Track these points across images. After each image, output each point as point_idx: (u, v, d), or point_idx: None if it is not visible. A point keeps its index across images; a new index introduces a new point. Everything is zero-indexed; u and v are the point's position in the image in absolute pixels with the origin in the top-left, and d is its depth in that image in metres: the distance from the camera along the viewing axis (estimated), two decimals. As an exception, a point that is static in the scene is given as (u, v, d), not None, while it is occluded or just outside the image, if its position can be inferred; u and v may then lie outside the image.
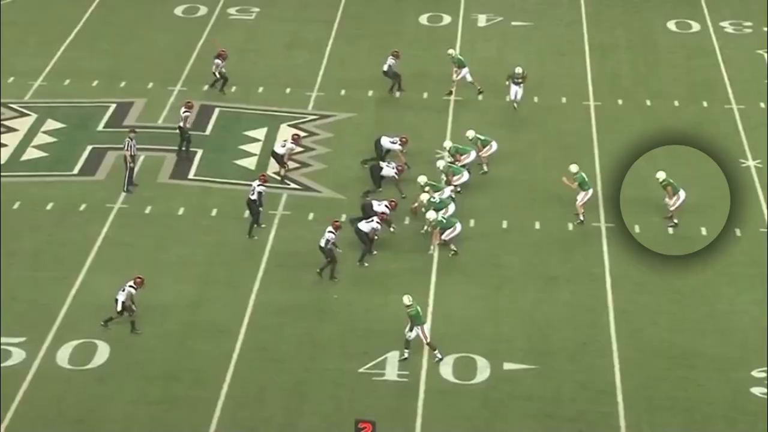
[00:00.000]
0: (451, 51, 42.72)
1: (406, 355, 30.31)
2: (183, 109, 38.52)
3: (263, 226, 35.15)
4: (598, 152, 39.20)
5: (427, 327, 30.54)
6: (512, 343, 31.12)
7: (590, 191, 35.68)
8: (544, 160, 38.79)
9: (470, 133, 37.98)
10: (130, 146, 37.02)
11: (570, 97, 42.59)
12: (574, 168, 35.85)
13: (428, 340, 30.34)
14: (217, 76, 42.02)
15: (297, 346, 31.03)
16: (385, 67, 42.08)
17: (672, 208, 35.59)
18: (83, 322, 31.68)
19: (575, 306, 32.51)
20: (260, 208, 35.07)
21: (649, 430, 28.47)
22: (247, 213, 35.33)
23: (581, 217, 35.58)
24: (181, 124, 38.29)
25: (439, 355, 30.27)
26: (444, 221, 34.18)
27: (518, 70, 40.91)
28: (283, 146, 37.68)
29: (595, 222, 35.80)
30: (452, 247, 34.19)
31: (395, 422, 28.44)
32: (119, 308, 31.03)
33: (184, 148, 38.57)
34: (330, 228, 33.20)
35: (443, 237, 34.21)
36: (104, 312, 31.70)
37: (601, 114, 41.54)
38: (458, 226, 34.22)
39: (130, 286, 31.15)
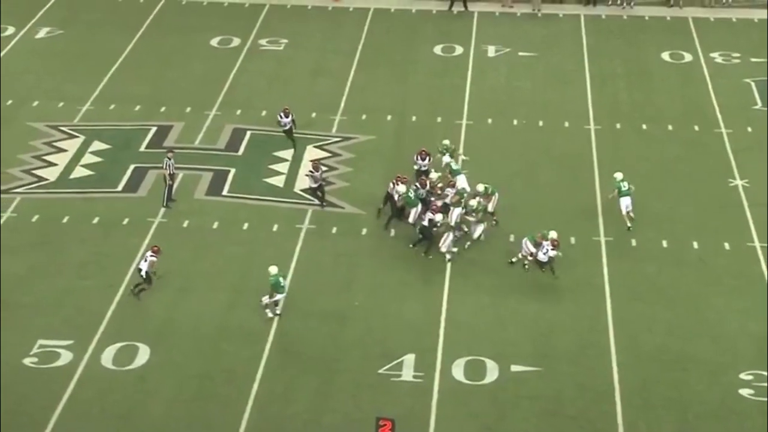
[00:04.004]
0: (446, 141, 38.79)
1: (272, 313, 31.57)
2: (281, 114, 39.60)
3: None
4: (597, 172, 39.06)
5: (281, 297, 31.59)
6: (518, 346, 31.03)
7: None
8: (548, 180, 38.69)
9: (446, 142, 37.75)
10: (169, 165, 37.07)
11: (572, 121, 42.48)
12: (619, 176, 36.08)
13: (266, 302, 31.43)
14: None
15: (321, 348, 30.98)
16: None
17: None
18: (126, 326, 31.70)
19: (576, 313, 32.39)
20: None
21: (646, 428, 28.35)
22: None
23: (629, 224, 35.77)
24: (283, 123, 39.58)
25: (270, 315, 31.47)
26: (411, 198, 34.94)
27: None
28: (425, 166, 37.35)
29: (595, 236, 35.68)
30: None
31: (411, 419, 28.37)
32: (143, 276, 31.95)
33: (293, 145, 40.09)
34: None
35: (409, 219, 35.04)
36: (146, 317, 31.80)
37: (600, 137, 41.42)
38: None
39: (151, 256, 32.05)
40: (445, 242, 34.14)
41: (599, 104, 43.84)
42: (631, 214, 35.79)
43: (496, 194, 35.70)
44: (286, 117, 39.94)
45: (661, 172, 39.30)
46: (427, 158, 37.19)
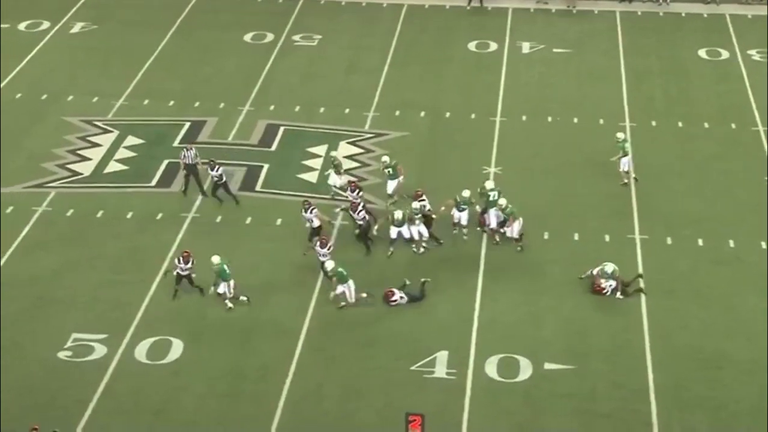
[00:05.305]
0: (385, 158, 37.42)
1: (230, 305, 32.14)
2: (208, 166, 36.68)
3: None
4: (633, 170, 38.92)
5: (231, 284, 32.07)
6: (552, 345, 31.04)
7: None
8: (583, 177, 38.66)
9: (386, 159, 37.24)
10: (187, 156, 37.27)
11: (607, 118, 42.39)
12: (621, 135, 38.02)
13: (232, 295, 32.02)
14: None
15: (353, 346, 31.07)
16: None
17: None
18: (159, 320, 31.94)
19: (611, 311, 32.36)
20: None
21: (679, 427, 28.31)
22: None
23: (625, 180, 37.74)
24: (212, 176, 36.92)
25: (230, 305, 31.98)
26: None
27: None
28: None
29: (629, 234, 35.65)
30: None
31: (444, 416, 28.44)
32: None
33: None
34: None
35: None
36: (179, 312, 32.02)
37: (636, 134, 41.33)
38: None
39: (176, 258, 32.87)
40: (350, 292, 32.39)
41: (635, 102, 43.75)
42: (628, 173, 37.53)
43: (520, 219, 34.70)
44: (213, 170, 36.78)
45: (697, 170, 39.20)
46: (357, 191, 35.61)
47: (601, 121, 42.28)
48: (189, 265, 32.52)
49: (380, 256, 34.66)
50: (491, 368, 30.13)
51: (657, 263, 34.30)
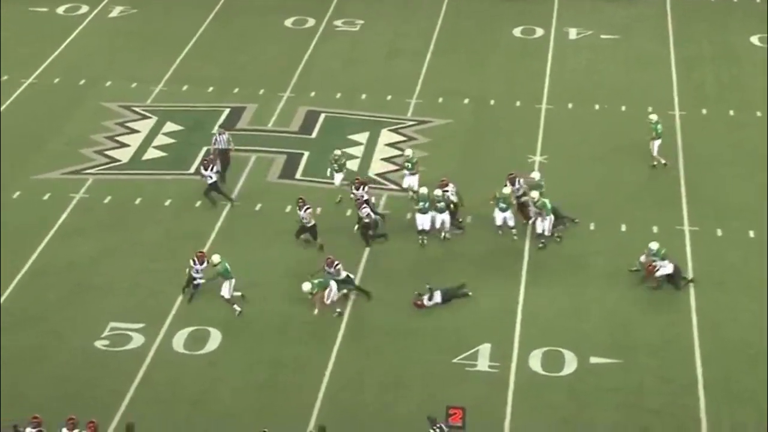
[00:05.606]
0: (408, 152, 37.06)
1: (238, 309, 31.50)
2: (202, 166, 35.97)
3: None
4: (682, 159, 38.60)
5: (233, 283, 31.53)
6: (598, 338, 30.76)
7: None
8: (631, 167, 38.29)
9: (409, 152, 36.90)
10: (219, 141, 37.23)
11: (656, 106, 41.86)
12: (654, 117, 37.96)
13: (228, 296, 31.44)
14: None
15: (393, 338, 30.93)
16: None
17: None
18: (197, 310, 31.93)
19: (658, 304, 32.02)
20: None
21: (729, 422, 27.97)
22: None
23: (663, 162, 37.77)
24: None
25: (238, 309, 31.40)
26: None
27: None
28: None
29: (678, 225, 35.27)
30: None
31: (487, 409, 28.25)
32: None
33: None
34: None
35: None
36: (217, 301, 31.95)
37: (686, 123, 40.91)
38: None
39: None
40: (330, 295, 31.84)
41: (684, 89, 43.32)
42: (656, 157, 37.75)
43: (551, 217, 34.12)
44: (206, 169, 36.08)
45: (748, 159, 38.75)
46: (362, 187, 34.92)
47: (650, 109, 41.74)
48: (203, 266, 32.17)
49: (415, 246, 34.48)
50: (535, 362, 29.91)
51: (706, 255, 33.92)
